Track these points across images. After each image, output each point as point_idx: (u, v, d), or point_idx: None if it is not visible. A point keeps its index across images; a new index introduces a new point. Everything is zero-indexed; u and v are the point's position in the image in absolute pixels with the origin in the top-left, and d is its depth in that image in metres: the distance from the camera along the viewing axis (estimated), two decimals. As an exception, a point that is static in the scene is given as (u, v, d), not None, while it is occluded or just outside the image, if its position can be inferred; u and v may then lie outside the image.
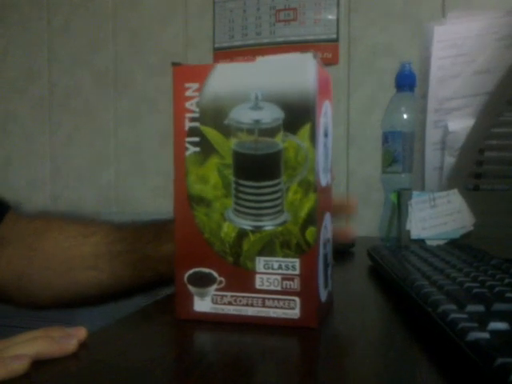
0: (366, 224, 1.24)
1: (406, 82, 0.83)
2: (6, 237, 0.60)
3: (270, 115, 0.39)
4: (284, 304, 0.40)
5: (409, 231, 0.67)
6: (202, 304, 0.42)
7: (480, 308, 0.36)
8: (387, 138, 0.83)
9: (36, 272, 0.59)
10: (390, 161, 0.82)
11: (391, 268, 0.53)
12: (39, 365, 0.33)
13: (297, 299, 0.40)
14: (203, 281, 0.41)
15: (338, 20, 1.27)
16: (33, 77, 1.54)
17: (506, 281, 0.43)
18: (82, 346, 0.36)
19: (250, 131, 0.40)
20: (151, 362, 0.34)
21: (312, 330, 0.40)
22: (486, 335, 0.30)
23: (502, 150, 0.69)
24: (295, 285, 0.40)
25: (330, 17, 1.27)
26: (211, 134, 0.40)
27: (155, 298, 0.50)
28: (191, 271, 0.42)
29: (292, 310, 0.40)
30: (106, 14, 1.48)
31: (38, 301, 0.60)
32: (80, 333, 0.36)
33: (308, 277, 0.40)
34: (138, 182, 1.46)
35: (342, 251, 0.77)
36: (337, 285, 0.47)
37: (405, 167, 0.81)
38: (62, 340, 0.35)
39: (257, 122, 0.40)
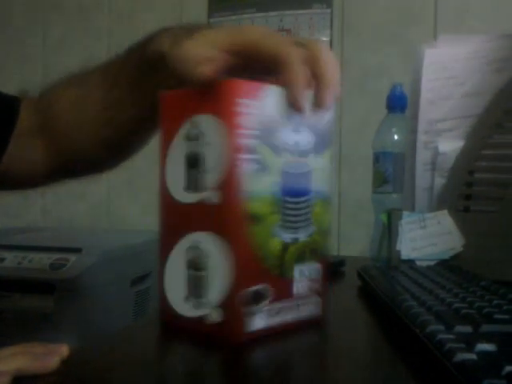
0: (356, 244, 1.25)
1: (397, 103, 0.84)
2: (33, 125, 0.58)
3: (306, 138, 0.44)
4: (311, 305, 0.46)
5: (399, 251, 0.67)
6: (256, 322, 0.41)
7: (468, 329, 0.36)
8: (378, 158, 0.84)
9: (67, 146, 0.56)
10: (380, 181, 0.83)
11: (380, 288, 0.53)
12: (20, 381, 0.32)
13: (319, 299, 0.46)
14: (258, 297, 0.42)
15: (331, 41, 1.28)
16: (27, 92, 1.54)
17: (495, 302, 0.42)
18: (64, 363, 0.35)
19: (292, 152, 0.43)
20: (134, 382, 0.33)
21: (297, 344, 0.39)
22: (473, 356, 0.30)
23: (491, 172, 0.70)
24: (318, 286, 0.46)
25: (323, 38, 1.28)
26: (266, 152, 0.41)
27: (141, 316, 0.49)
28: (247, 290, 0.41)
29: (316, 309, 0.46)
30: (102, 30, 1.49)
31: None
32: (62, 350, 0.36)
33: (323, 278, 0.47)
34: (128, 198, 1.45)
35: (332, 271, 0.77)
36: (326, 304, 0.47)
37: (395, 187, 0.82)
38: (43, 357, 0.34)
39: (297, 143, 0.44)
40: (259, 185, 0.41)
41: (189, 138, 0.42)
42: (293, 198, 0.44)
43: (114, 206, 1.49)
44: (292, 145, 0.43)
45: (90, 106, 0.54)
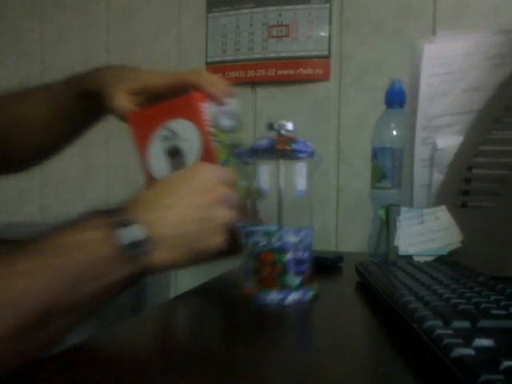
0: (354, 239, 1.25)
1: (396, 98, 0.84)
2: None
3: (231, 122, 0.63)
4: None
5: (397, 247, 0.67)
6: None
7: (465, 324, 0.36)
8: (376, 153, 0.84)
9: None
10: (379, 176, 0.83)
11: (378, 283, 0.53)
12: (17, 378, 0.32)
13: None
14: None
15: (329, 37, 1.28)
16: (24, 87, 1.53)
17: (492, 298, 0.42)
18: (61, 358, 0.35)
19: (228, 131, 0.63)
20: (130, 377, 0.33)
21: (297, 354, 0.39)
22: (470, 351, 0.30)
23: (489, 168, 0.70)
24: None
25: (322, 34, 1.28)
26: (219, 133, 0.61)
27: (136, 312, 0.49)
28: None
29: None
30: (100, 26, 1.48)
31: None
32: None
33: None
34: (125, 194, 1.45)
35: (331, 266, 0.77)
36: (324, 300, 0.47)
37: (394, 183, 0.81)
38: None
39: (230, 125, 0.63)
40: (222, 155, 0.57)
41: (165, 138, 0.57)
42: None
43: (111, 201, 1.49)
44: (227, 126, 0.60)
45: (32, 122, 0.67)
